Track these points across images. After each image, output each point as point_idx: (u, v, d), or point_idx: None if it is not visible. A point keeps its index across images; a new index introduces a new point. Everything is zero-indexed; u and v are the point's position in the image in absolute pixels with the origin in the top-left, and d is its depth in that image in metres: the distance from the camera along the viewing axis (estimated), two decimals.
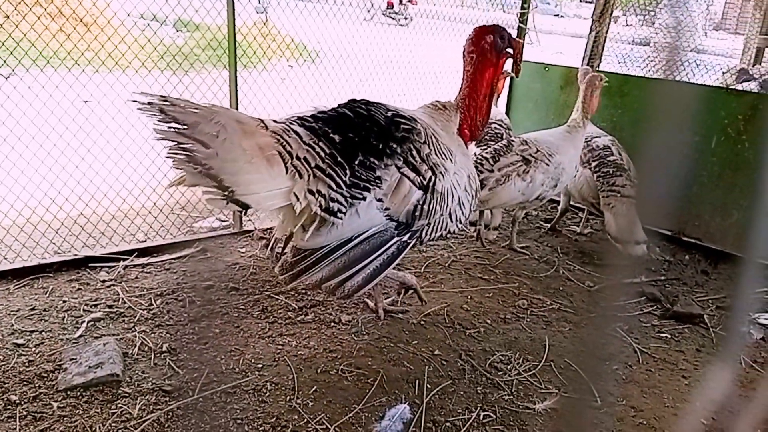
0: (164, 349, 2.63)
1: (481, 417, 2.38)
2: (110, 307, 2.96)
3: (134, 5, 3.82)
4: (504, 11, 6.72)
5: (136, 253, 3.50)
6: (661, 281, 3.74)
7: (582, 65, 5.25)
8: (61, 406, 2.24)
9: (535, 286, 3.57)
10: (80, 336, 2.69)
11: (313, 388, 2.45)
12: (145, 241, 3.70)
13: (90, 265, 3.36)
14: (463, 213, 2.73)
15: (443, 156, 2.61)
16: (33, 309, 2.88)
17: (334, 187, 2.28)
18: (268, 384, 2.45)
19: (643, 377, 2.75)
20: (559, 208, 4.55)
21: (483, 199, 3.56)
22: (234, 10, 3.52)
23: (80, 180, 3.58)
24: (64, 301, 2.97)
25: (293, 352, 2.69)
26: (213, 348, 2.68)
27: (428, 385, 2.53)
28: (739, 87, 6.86)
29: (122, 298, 3.03)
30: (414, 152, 2.50)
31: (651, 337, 3.13)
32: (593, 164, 4.02)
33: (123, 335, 2.72)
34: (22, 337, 2.64)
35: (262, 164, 2.13)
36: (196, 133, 2.01)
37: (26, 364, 2.46)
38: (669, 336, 3.15)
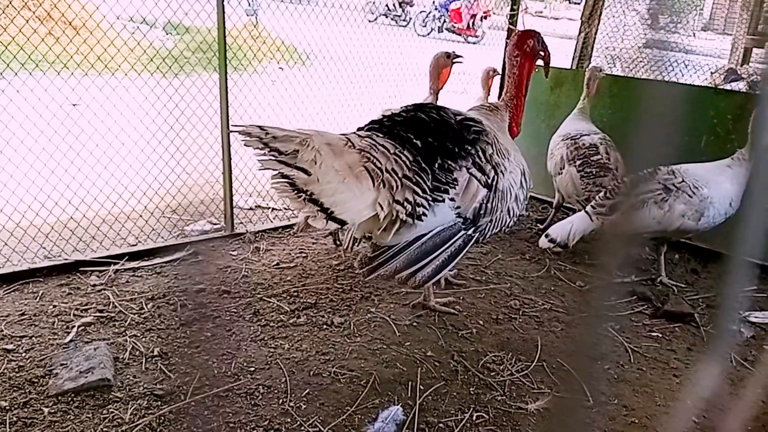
0: (156, 353, 2.62)
1: (474, 418, 2.38)
2: (101, 311, 2.94)
3: (123, 8, 3.80)
4: (494, 13, 6.74)
5: (126, 257, 3.48)
6: (650, 281, 3.75)
7: (571, 66, 5.28)
8: (52, 411, 2.22)
9: (526, 286, 3.58)
10: (71, 341, 2.67)
11: (306, 391, 2.44)
12: (136, 244, 3.68)
13: (80, 269, 3.34)
14: (518, 207, 2.93)
15: (503, 155, 2.80)
16: (23, 314, 2.86)
17: (420, 192, 2.46)
18: (260, 387, 2.44)
19: (635, 376, 2.77)
20: (552, 207, 4.57)
21: (614, 222, 3.38)
22: (224, 12, 3.51)
23: (70, 184, 3.56)
24: (55, 306, 2.95)
25: (285, 354, 2.68)
26: (205, 352, 2.67)
27: (421, 387, 2.53)
28: (728, 87, 6.92)
29: (113, 303, 3.02)
30: (481, 153, 2.69)
31: (642, 336, 3.15)
32: (578, 163, 4.02)
33: (114, 339, 2.70)
34: (12, 343, 2.62)
35: (353, 182, 2.26)
36: (297, 161, 2.13)
37: (16, 370, 2.44)
38: (660, 335, 3.16)
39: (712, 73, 8.06)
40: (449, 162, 2.60)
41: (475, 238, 2.74)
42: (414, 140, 2.55)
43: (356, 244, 2.75)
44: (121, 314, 2.93)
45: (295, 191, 2.16)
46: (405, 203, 2.42)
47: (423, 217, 2.50)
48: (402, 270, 2.52)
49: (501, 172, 2.75)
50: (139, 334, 2.76)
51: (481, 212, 2.67)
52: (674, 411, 2.49)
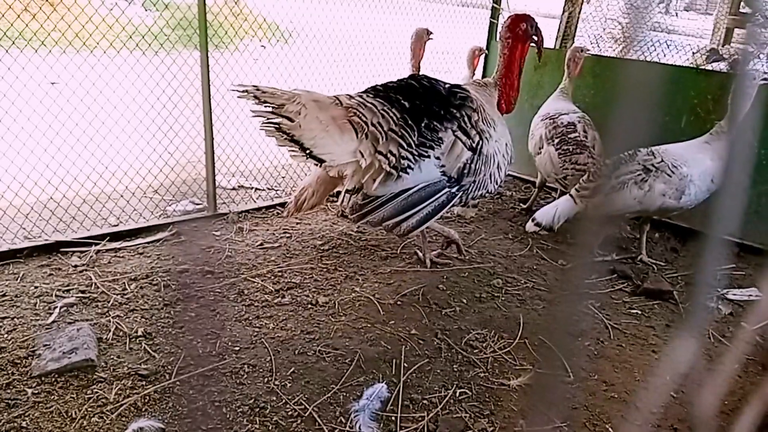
0: (139, 333, 2.61)
1: (457, 394, 2.41)
2: (83, 292, 2.92)
3: None
4: None
5: (108, 238, 3.46)
6: (631, 259, 3.81)
7: (554, 46, 5.28)
8: (36, 392, 2.21)
9: (509, 265, 3.62)
10: (53, 322, 2.65)
11: (291, 370, 2.46)
12: (117, 225, 3.65)
13: (61, 250, 3.30)
14: (500, 176, 3.26)
15: (488, 124, 3.13)
16: (4, 295, 2.83)
17: (405, 146, 2.84)
18: (245, 366, 2.45)
19: (615, 352, 2.82)
20: (535, 186, 4.60)
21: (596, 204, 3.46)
22: None
23: (49, 163, 3.50)
24: (36, 287, 2.92)
25: (270, 334, 2.69)
26: (189, 332, 2.67)
27: (405, 365, 2.56)
28: (709, 67, 6.96)
29: (95, 283, 3.00)
30: (466, 118, 3.04)
31: (622, 313, 3.20)
32: (555, 141, 4.05)
33: (97, 320, 2.69)
34: None
35: (335, 131, 2.72)
36: (283, 111, 2.65)
37: None
38: (639, 312, 3.22)
39: (693, 53, 8.11)
40: (435, 122, 2.95)
41: (458, 197, 3.08)
42: (402, 101, 2.91)
43: (351, 196, 2.98)
44: (104, 295, 2.91)
45: (281, 134, 2.68)
46: (389, 155, 2.81)
47: (408, 170, 2.87)
48: (389, 219, 2.91)
49: (486, 138, 3.08)
50: (122, 315, 2.75)
51: (465, 172, 3.02)
52: (653, 386, 2.55)
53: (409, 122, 2.88)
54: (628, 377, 2.63)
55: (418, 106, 2.94)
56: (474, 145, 3.03)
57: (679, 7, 19.12)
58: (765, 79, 3.36)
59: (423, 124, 2.92)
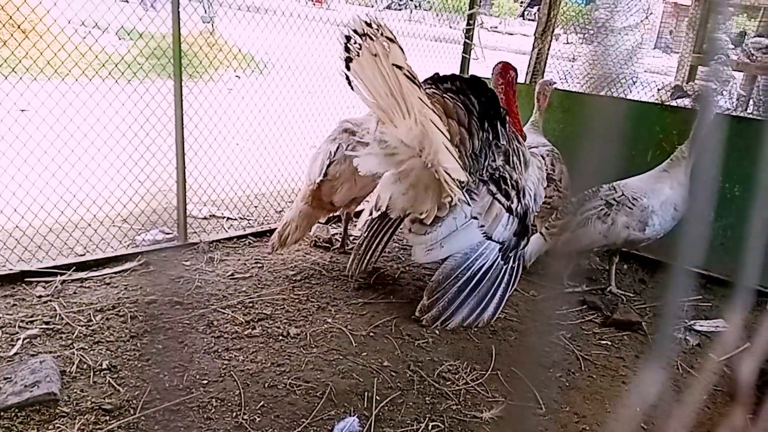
0: (104, 366, 2.54)
1: (430, 427, 2.39)
2: (47, 323, 2.84)
3: (75, 12, 3.70)
4: (450, 27, 6.85)
5: (74, 267, 3.37)
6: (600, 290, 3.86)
7: (525, 81, 5.40)
8: None
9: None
10: (15, 354, 2.56)
11: (261, 404, 2.41)
12: (84, 254, 3.57)
13: (26, 279, 3.21)
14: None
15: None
16: None
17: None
18: (213, 400, 2.40)
19: (586, 384, 2.83)
20: None
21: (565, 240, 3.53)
22: (179, 18, 3.46)
23: (16, 191, 3.43)
24: None
25: (240, 367, 2.64)
26: (155, 365, 2.61)
27: (377, 397, 2.53)
28: (674, 103, 7.19)
29: (60, 314, 2.92)
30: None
31: (592, 344, 3.23)
32: None
33: (60, 352, 2.61)
34: None
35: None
36: None
37: None
38: (609, 343, 3.25)
39: (659, 89, 8.37)
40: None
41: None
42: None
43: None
44: (68, 326, 2.83)
45: None
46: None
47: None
48: None
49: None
50: (87, 347, 2.67)
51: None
52: (622, 417, 2.56)
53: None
54: (599, 408, 2.64)
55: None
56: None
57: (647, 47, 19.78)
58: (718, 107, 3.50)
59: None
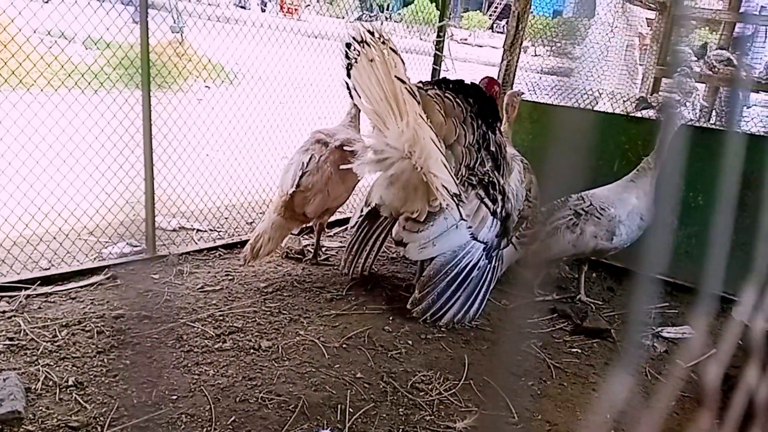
0: (70, 383, 2.47)
1: None
2: (11, 339, 2.75)
3: (41, 22, 3.64)
4: (421, 39, 6.91)
5: (39, 282, 3.29)
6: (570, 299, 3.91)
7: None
8: None
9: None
10: None
11: (232, 419, 2.37)
12: (49, 268, 3.48)
13: None
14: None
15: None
16: None
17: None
18: (183, 416, 2.35)
19: (557, 392, 2.86)
20: None
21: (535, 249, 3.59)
22: (147, 28, 3.42)
23: None
24: None
25: (210, 381, 2.60)
26: (123, 380, 2.55)
27: (351, 409, 2.51)
28: (639, 114, 7.35)
29: (24, 330, 2.83)
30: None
31: (563, 352, 3.26)
32: None
33: (25, 369, 2.54)
34: None
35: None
36: None
37: None
38: (579, 351, 3.29)
39: (624, 101, 8.54)
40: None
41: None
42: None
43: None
44: (33, 342, 2.75)
45: None
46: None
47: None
48: None
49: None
50: (52, 363, 2.60)
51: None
52: (592, 424, 2.58)
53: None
54: (570, 416, 2.66)
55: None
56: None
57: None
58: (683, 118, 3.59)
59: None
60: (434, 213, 3.24)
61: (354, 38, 3.14)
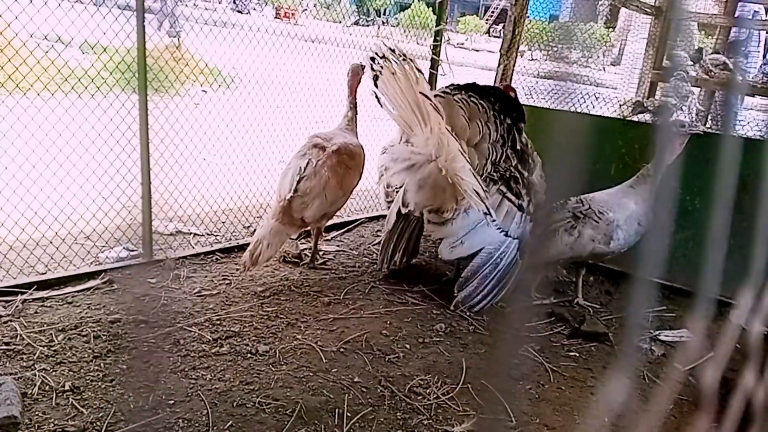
0: (67, 387, 2.46)
1: None
2: (7, 344, 2.74)
3: (38, 26, 3.63)
4: (418, 43, 6.93)
5: (35, 286, 3.28)
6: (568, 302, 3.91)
7: None
8: None
9: (452, 309, 3.64)
10: None
11: (229, 423, 2.37)
12: (45, 273, 3.47)
13: None
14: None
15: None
16: None
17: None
18: (180, 421, 2.35)
19: (555, 395, 2.86)
20: None
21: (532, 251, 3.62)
22: (144, 32, 3.42)
23: None
24: None
25: (207, 386, 2.59)
26: (120, 385, 2.54)
27: (348, 414, 2.51)
28: (635, 118, 7.37)
29: (20, 335, 2.82)
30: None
31: (561, 356, 3.26)
32: None
33: (21, 374, 2.53)
34: None
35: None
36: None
37: None
38: (577, 354, 3.29)
39: (620, 105, 8.56)
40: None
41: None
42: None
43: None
44: (29, 347, 2.74)
45: None
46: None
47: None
48: None
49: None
50: (48, 368, 2.59)
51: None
52: (590, 428, 2.58)
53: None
54: (568, 420, 2.66)
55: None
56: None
57: (607, 62, 20.31)
58: (693, 128, 3.59)
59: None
60: (458, 208, 3.46)
61: (376, 53, 3.41)
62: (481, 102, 3.58)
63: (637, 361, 3.03)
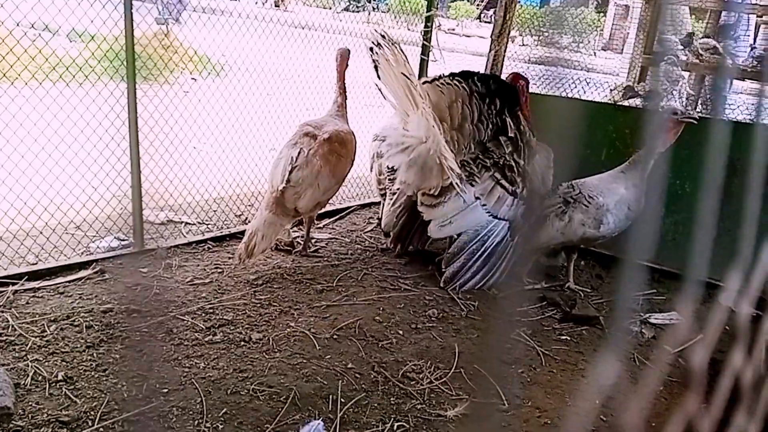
0: (60, 377, 2.46)
1: (395, 427, 2.40)
2: None
3: (24, 15, 3.58)
4: (408, 29, 6.89)
5: (26, 277, 3.26)
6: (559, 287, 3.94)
7: None
8: None
9: (444, 294, 3.66)
10: None
11: (223, 411, 2.38)
12: (36, 263, 3.45)
13: None
14: None
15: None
16: None
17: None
18: (174, 409, 2.35)
19: (546, 378, 2.88)
20: None
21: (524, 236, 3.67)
22: (132, 20, 3.38)
23: None
24: None
25: (201, 374, 2.60)
26: (113, 374, 2.54)
27: (342, 400, 2.53)
28: (626, 103, 7.38)
29: (12, 326, 2.82)
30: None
31: (552, 340, 3.29)
32: None
33: (14, 365, 2.52)
34: None
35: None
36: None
37: None
38: (569, 338, 3.32)
39: (611, 90, 8.57)
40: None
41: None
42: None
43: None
44: (22, 338, 2.74)
45: None
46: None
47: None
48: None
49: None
50: (41, 358, 2.59)
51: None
52: (582, 410, 2.61)
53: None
54: (559, 403, 2.69)
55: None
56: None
57: (597, 47, 20.29)
58: (686, 116, 3.58)
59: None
60: (448, 190, 3.59)
61: (374, 42, 3.58)
62: (462, 84, 3.77)
63: (627, 344, 3.06)
